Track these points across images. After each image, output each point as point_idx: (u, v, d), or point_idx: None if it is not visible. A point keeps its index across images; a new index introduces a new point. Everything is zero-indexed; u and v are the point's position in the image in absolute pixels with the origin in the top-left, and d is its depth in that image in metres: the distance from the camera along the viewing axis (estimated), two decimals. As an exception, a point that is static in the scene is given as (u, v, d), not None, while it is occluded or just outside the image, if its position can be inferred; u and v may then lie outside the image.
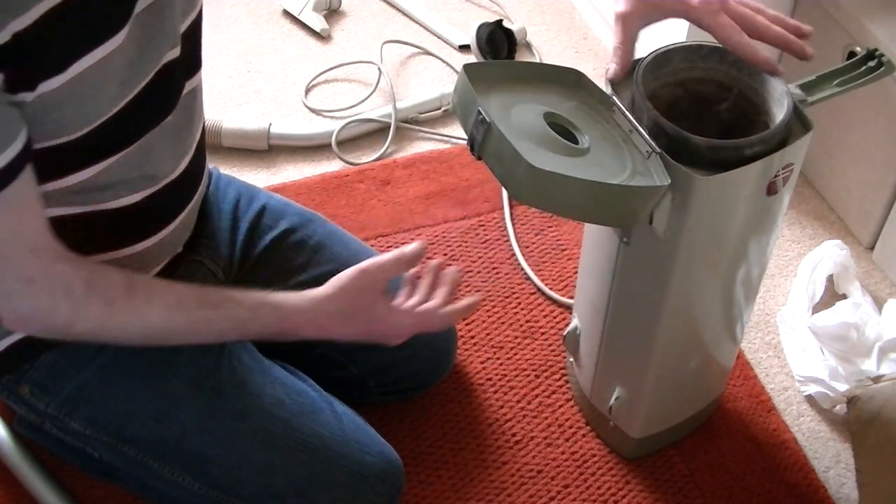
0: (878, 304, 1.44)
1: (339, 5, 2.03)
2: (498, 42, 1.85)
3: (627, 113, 0.97)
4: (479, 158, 0.90)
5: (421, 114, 1.77)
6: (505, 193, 1.61)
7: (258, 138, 1.70)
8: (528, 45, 1.94)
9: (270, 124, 1.71)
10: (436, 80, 1.86)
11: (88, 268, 0.90)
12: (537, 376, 1.36)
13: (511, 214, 1.58)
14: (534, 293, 1.47)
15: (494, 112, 0.90)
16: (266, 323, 0.97)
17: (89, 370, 1.03)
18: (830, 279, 1.47)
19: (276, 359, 1.14)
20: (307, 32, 1.98)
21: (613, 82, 0.97)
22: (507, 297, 1.47)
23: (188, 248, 1.11)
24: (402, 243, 1.52)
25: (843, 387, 1.31)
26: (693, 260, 1.02)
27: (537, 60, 1.90)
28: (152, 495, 1.12)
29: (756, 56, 0.95)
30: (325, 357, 1.21)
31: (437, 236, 1.55)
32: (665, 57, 1.01)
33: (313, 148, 1.72)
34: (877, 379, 1.29)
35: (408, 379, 1.27)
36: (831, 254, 1.46)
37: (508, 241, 1.55)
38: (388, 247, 1.53)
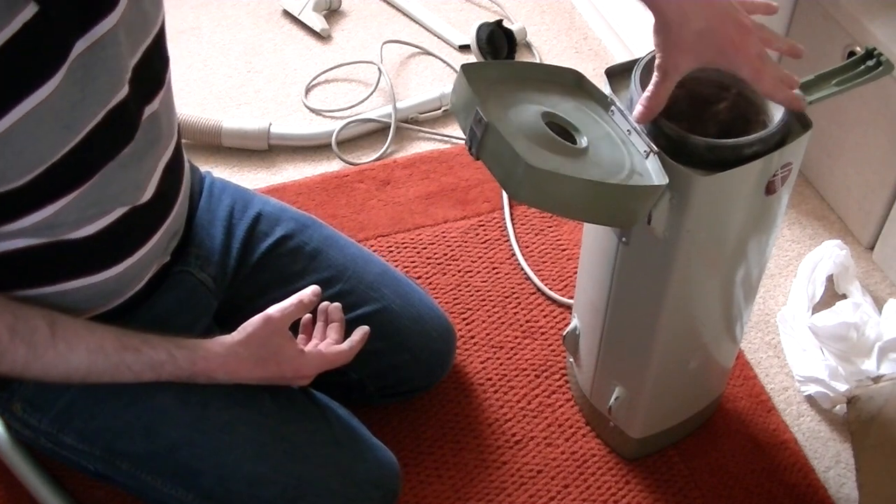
0: (878, 304, 1.44)
1: (339, 5, 2.03)
2: (498, 42, 1.85)
3: (626, 113, 0.97)
4: (478, 158, 0.90)
5: (421, 114, 1.77)
6: (505, 193, 1.61)
7: (258, 138, 1.70)
8: (528, 45, 1.94)
9: (270, 124, 1.71)
10: (436, 80, 1.86)
11: (9, 312, 0.91)
12: (537, 376, 1.36)
13: (511, 214, 1.58)
14: (534, 293, 1.47)
15: (492, 112, 0.90)
16: (181, 366, 0.99)
17: (77, 387, 1.03)
18: (830, 279, 1.47)
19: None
20: (307, 32, 1.98)
21: (638, 122, 0.96)
22: (507, 297, 1.47)
23: (176, 258, 1.10)
24: (402, 243, 1.53)
25: (843, 387, 1.31)
26: (692, 260, 1.02)
27: (537, 60, 1.90)
28: (150, 503, 1.12)
29: (797, 105, 0.95)
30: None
31: (437, 236, 1.55)
32: None
33: (313, 148, 1.73)
34: (877, 379, 1.29)
35: (407, 382, 1.27)
36: (831, 254, 1.46)
37: (508, 241, 1.55)
38: (388, 247, 1.53)
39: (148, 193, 0.99)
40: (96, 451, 1.05)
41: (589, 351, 1.23)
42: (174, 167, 1.05)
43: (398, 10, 2.03)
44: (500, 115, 0.91)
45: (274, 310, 1.04)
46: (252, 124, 1.71)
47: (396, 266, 1.46)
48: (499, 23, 1.86)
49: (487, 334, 1.42)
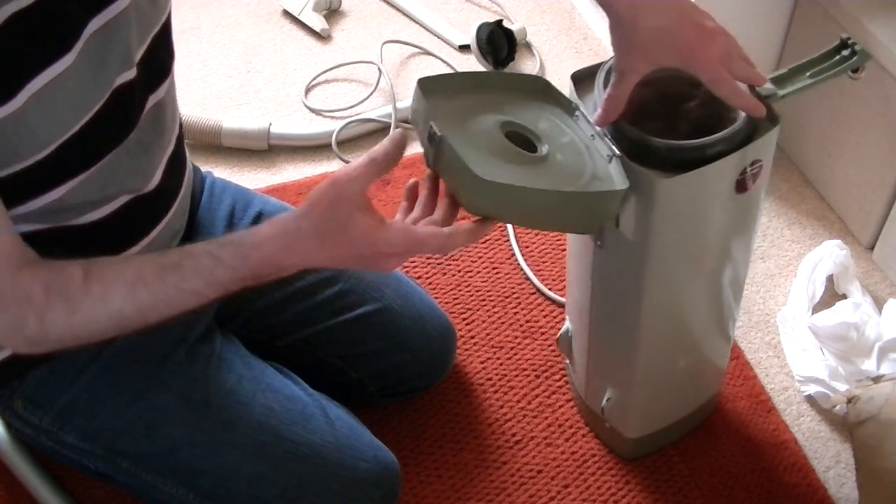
0: (878, 304, 1.44)
1: (339, 5, 2.03)
2: (498, 42, 1.85)
3: (589, 118, 0.97)
4: (436, 173, 0.89)
5: (421, 114, 1.77)
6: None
7: (258, 138, 1.70)
8: (528, 45, 1.94)
9: (270, 124, 1.71)
10: (436, 80, 1.86)
11: (45, 268, 0.84)
12: (537, 376, 1.36)
13: (511, 214, 1.58)
14: (534, 293, 1.47)
15: (449, 125, 0.89)
16: (234, 266, 0.85)
17: (78, 385, 1.03)
18: (830, 279, 1.47)
19: (271, 361, 1.14)
20: (307, 32, 1.98)
21: (599, 125, 0.95)
22: (507, 297, 1.47)
23: None
24: (402, 243, 1.53)
25: (843, 387, 1.31)
26: (666, 261, 1.01)
27: (537, 60, 1.90)
28: (150, 502, 1.12)
29: (758, 111, 0.93)
30: (324, 362, 1.21)
31: (437, 236, 1.55)
32: None
33: (313, 148, 1.73)
34: (877, 379, 1.29)
35: (407, 382, 1.27)
36: (831, 254, 1.46)
37: (508, 241, 1.55)
38: (388, 247, 1.53)
39: (153, 183, 0.99)
40: (97, 450, 1.05)
41: (580, 352, 1.23)
42: (177, 160, 1.05)
43: (398, 10, 2.03)
44: (456, 127, 0.91)
45: (340, 171, 0.85)
46: (252, 124, 1.71)
47: (396, 266, 1.46)
48: (499, 23, 1.86)
49: (487, 334, 1.42)
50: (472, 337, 1.41)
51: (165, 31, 0.97)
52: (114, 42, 0.86)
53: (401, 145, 0.85)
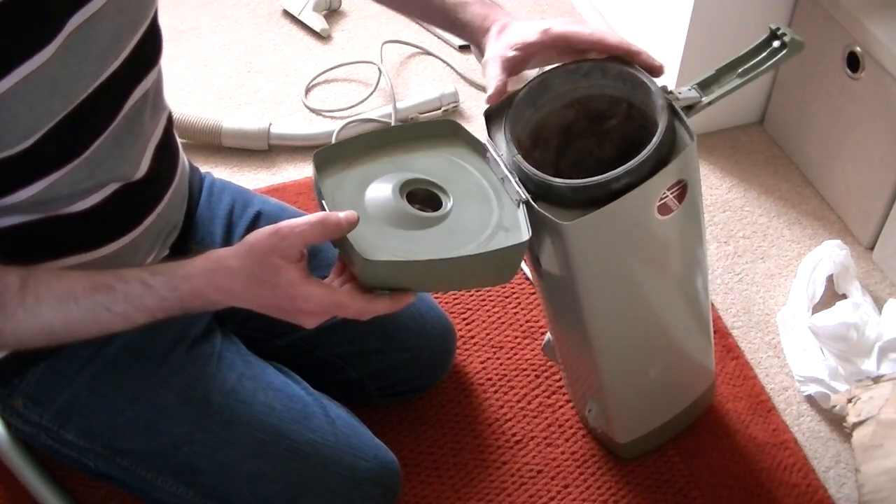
0: (878, 304, 1.44)
1: (339, 5, 2.03)
2: (498, 42, 1.85)
3: (500, 160, 0.93)
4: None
5: (421, 114, 1.77)
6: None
7: (258, 138, 1.70)
8: (528, 45, 1.94)
9: (270, 124, 1.71)
10: (436, 80, 1.86)
11: None
12: (537, 376, 1.36)
13: (511, 214, 1.58)
14: (533, 293, 1.47)
15: (344, 199, 0.88)
16: (163, 295, 0.87)
17: (78, 383, 1.03)
18: (830, 279, 1.47)
19: (272, 360, 1.14)
20: (307, 32, 1.98)
21: (487, 115, 0.94)
22: (507, 297, 1.47)
23: (175, 254, 1.09)
24: (402, 243, 1.53)
25: (843, 387, 1.31)
26: (599, 290, 0.98)
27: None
28: (150, 502, 1.12)
29: (606, 41, 0.93)
30: (324, 361, 1.21)
31: (437, 236, 1.55)
32: (542, 85, 0.96)
33: (313, 148, 1.72)
34: (877, 379, 1.29)
35: (407, 381, 1.27)
36: (831, 254, 1.46)
37: (508, 241, 1.55)
38: (388, 247, 1.53)
39: (141, 171, 0.99)
40: (97, 448, 1.05)
41: (561, 361, 1.23)
42: (167, 149, 1.05)
43: (398, 10, 2.03)
44: (351, 200, 0.89)
45: (286, 223, 0.86)
46: (252, 124, 1.71)
47: (396, 266, 1.46)
48: (499, 23, 1.86)
49: (487, 334, 1.42)
50: (472, 337, 1.41)
51: (153, 23, 0.98)
52: (97, 34, 0.87)
53: (353, 225, 0.85)
